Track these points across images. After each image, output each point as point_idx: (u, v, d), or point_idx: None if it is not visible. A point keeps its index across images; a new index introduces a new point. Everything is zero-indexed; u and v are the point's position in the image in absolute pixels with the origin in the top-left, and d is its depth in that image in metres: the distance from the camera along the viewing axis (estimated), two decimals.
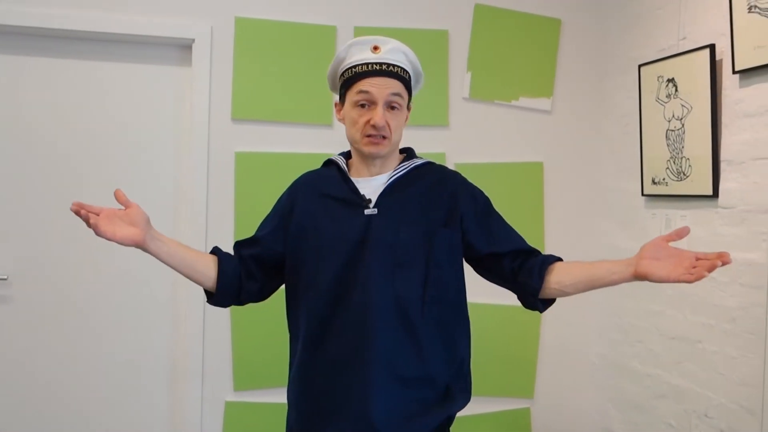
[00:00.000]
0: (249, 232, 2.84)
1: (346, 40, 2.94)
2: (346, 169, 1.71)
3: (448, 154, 3.04)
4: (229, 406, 2.87)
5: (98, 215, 1.60)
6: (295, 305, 1.70)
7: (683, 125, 2.52)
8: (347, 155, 1.78)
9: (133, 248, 2.89)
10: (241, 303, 1.74)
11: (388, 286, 1.59)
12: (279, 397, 2.90)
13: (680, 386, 2.53)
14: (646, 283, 2.74)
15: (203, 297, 2.85)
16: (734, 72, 2.28)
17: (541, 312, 1.71)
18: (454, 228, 1.66)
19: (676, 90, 2.57)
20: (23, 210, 2.79)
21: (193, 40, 2.83)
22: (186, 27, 2.82)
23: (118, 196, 1.63)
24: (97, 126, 2.86)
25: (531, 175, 3.11)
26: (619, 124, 3.03)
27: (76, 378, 2.83)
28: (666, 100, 2.62)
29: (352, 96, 1.64)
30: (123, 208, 1.64)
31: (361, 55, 1.63)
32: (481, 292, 3.10)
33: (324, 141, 2.94)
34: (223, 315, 2.86)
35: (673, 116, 2.58)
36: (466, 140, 3.07)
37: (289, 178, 2.86)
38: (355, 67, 1.63)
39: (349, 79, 1.65)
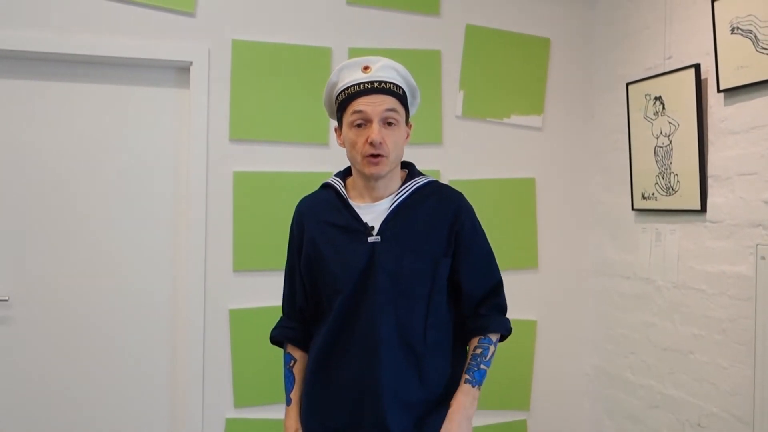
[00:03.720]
0: (248, 249, 2.91)
1: (342, 61, 3.01)
2: (345, 194, 1.69)
3: (442, 171, 3.10)
4: (230, 423, 2.90)
5: None
6: None
7: (671, 142, 2.60)
8: (343, 176, 1.76)
9: (133, 267, 2.92)
10: None
11: (392, 316, 1.61)
12: (279, 413, 2.93)
13: (673, 396, 2.59)
14: (638, 293, 2.82)
15: (203, 315, 2.91)
16: (719, 91, 2.36)
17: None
18: (451, 255, 1.68)
19: (663, 107, 2.64)
20: (23, 231, 2.82)
21: (191, 63, 2.88)
22: (184, 50, 2.88)
23: None
24: (96, 148, 2.90)
25: (523, 190, 3.18)
26: (608, 140, 3.10)
27: (77, 398, 2.85)
28: (654, 117, 2.70)
29: (347, 117, 1.63)
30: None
31: (352, 76, 1.63)
32: None
33: (320, 160, 2.99)
34: (222, 333, 2.90)
35: (661, 133, 2.66)
36: (459, 157, 3.13)
37: (286, 196, 2.93)
38: (348, 88, 1.63)
39: (343, 102, 1.64)
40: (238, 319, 2.90)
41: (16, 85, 2.83)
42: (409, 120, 1.72)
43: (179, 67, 2.94)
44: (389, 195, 1.68)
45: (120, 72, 2.92)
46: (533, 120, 3.20)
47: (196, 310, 2.87)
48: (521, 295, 3.16)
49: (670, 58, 2.67)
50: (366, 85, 1.61)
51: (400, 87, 1.66)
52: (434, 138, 3.10)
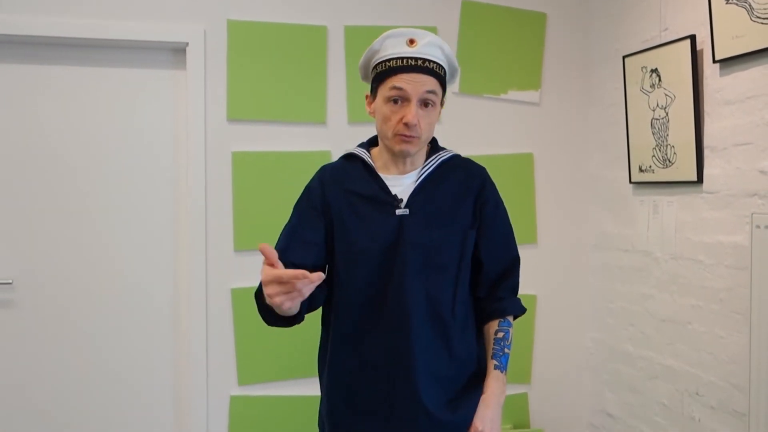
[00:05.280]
0: (248, 229, 2.93)
1: (337, 40, 3.01)
2: (372, 165, 1.65)
3: None
4: (234, 401, 2.94)
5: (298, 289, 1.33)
6: (326, 302, 1.68)
7: (667, 114, 2.60)
8: (367, 146, 1.71)
9: (135, 249, 2.95)
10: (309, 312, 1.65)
11: (421, 288, 1.58)
12: (283, 390, 2.98)
13: (672, 367, 2.61)
14: (636, 266, 2.83)
15: (205, 294, 2.94)
16: (714, 61, 2.35)
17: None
18: (476, 229, 1.67)
19: (660, 80, 2.64)
20: (26, 214, 2.85)
21: (187, 44, 2.88)
22: (179, 31, 2.88)
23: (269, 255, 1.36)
24: (95, 131, 2.91)
25: (522, 166, 3.19)
26: (605, 114, 3.10)
27: (80, 379, 2.89)
28: (650, 89, 2.70)
29: (384, 91, 1.56)
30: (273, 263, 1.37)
31: (396, 48, 1.55)
32: None
33: (318, 138, 3.00)
34: (225, 312, 2.93)
35: (658, 105, 2.66)
36: (457, 134, 3.13)
37: (285, 175, 2.94)
38: (389, 60, 1.55)
39: (382, 73, 1.57)
40: (240, 298, 2.93)
41: (14, 69, 2.83)
42: (444, 99, 1.65)
43: (175, 48, 2.94)
44: (415, 169, 1.65)
45: (116, 54, 2.92)
46: (530, 95, 3.20)
47: (198, 289, 2.90)
48: (521, 270, 3.17)
49: (666, 29, 2.66)
50: (410, 61, 1.54)
51: (443, 67, 1.61)
52: None
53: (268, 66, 2.95)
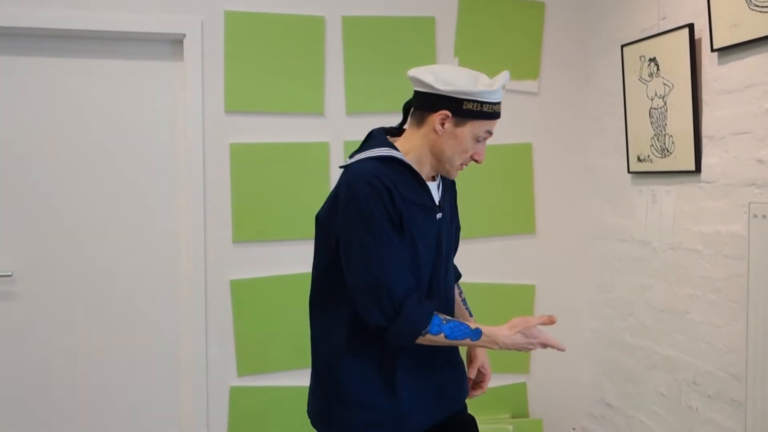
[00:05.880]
0: (246, 221, 2.93)
1: (335, 30, 3.00)
2: (419, 173, 1.69)
3: None
4: (234, 391, 2.95)
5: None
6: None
7: (665, 103, 2.59)
8: (393, 148, 1.69)
9: (134, 241, 2.95)
10: None
11: (450, 283, 1.80)
12: (283, 380, 2.99)
13: (670, 356, 2.62)
14: (635, 256, 2.83)
15: (204, 286, 2.95)
16: (713, 50, 2.34)
17: None
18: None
19: (658, 69, 2.63)
20: (26, 206, 2.85)
21: (184, 35, 2.88)
22: (176, 22, 2.87)
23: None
24: (93, 123, 2.91)
25: (520, 156, 3.18)
26: (604, 103, 3.09)
27: (80, 371, 2.91)
28: (648, 79, 2.69)
29: (476, 128, 1.64)
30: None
31: (496, 95, 1.63)
32: (476, 272, 3.19)
33: (316, 130, 3.00)
34: (224, 302, 2.94)
35: (656, 95, 2.65)
36: None
37: (283, 167, 2.95)
38: (494, 104, 1.64)
39: (482, 114, 1.63)
40: (240, 289, 2.94)
41: (10, 61, 2.83)
42: None
43: (172, 39, 2.94)
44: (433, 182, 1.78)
45: (113, 46, 2.92)
46: (529, 85, 3.19)
47: (197, 281, 2.91)
48: (519, 260, 3.18)
49: (664, 18, 2.65)
50: (498, 108, 1.65)
51: None
52: None
53: (265, 57, 2.94)
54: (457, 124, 1.63)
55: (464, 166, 1.70)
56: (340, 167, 1.74)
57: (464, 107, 1.61)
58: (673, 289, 2.61)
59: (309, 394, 1.77)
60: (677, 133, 2.53)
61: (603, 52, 3.09)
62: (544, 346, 1.66)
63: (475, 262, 3.15)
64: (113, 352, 2.94)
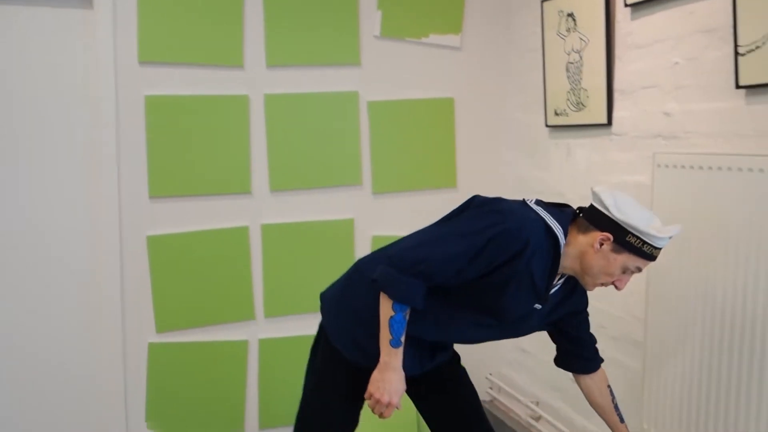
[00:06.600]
0: (163, 176, 2.86)
1: None
2: (559, 269, 1.75)
3: (361, 92, 3.09)
4: (153, 348, 2.91)
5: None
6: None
7: (581, 58, 2.64)
8: (565, 228, 1.74)
9: (45, 196, 2.82)
10: None
11: (478, 341, 1.96)
12: (202, 336, 2.97)
13: None
14: None
15: (119, 242, 2.86)
16: (626, 5, 2.39)
17: None
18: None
19: (575, 24, 2.67)
20: None
21: None
22: None
23: None
24: None
25: (442, 110, 3.20)
26: (524, 58, 3.13)
27: None
28: (566, 33, 2.73)
29: (629, 262, 1.69)
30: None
31: (662, 243, 1.68)
32: (398, 226, 3.19)
33: (235, 82, 2.93)
34: (141, 258, 2.87)
35: (573, 49, 2.69)
36: (378, 78, 3.11)
37: (201, 120, 2.87)
38: (655, 249, 1.68)
39: (640, 252, 1.67)
40: (157, 245, 2.88)
41: None
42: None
43: None
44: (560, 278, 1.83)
45: None
46: (451, 39, 3.19)
47: (113, 238, 2.83)
48: (440, 213, 3.18)
49: None
50: (657, 253, 1.69)
51: None
52: (352, 59, 3.07)
53: (181, 4, 2.83)
54: (614, 250, 1.68)
55: (604, 286, 1.75)
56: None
57: (627, 239, 1.67)
58: None
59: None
60: (591, 87, 2.59)
61: (524, 8, 3.11)
62: (377, 405, 1.79)
63: (397, 215, 3.17)
64: (27, 313, 2.84)
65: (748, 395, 1.80)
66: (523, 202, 1.79)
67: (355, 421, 2.01)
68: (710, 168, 1.93)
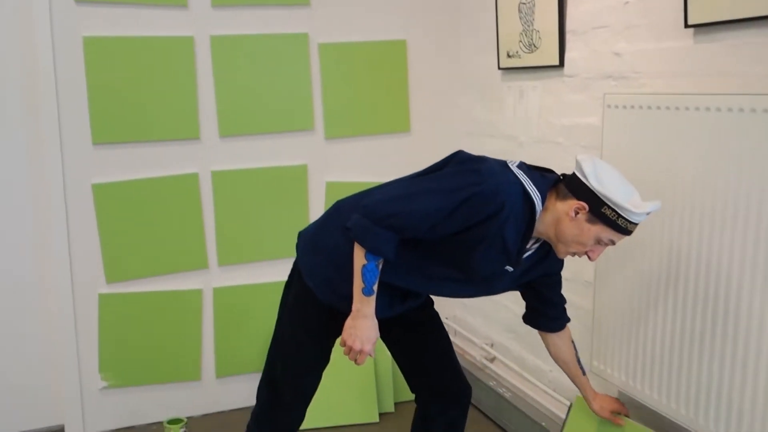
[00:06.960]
0: (107, 122, 2.76)
1: None
2: (533, 233, 1.74)
3: (311, 34, 3.01)
4: (103, 298, 2.85)
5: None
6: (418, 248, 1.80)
7: None
8: (546, 193, 1.72)
9: None
10: None
11: (448, 295, 1.98)
12: (151, 285, 2.93)
13: None
14: (503, 150, 2.89)
15: (63, 191, 2.77)
16: None
17: None
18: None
19: None
20: None
21: None
22: None
23: None
24: None
25: (395, 52, 3.14)
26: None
27: None
28: None
29: (602, 234, 1.67)
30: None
31: (638, 218, 1.65)
32: (352, 171, 3.17)
33: (179, 23, 2.82)
34: (87, 207, 2.79)
35: None
36: (328, 20, 3.03)
37: (144, 62, 2.76)
38: (631, 224, 1.65)
39: (615, 225, 1.65)
40: (103, 193, 2.79)
41: None
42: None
43: None
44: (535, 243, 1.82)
45: None
46: None
47: (56, 186, 2.74)
48: (394, 158, 3.20)
49: None
50: (633, 228, 1.67)
51: None
52: None
53: None
54: (588, 220, 1.67)
55: (576, 255, 1.74)
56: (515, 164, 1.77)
57: (602, 210, 1.65)
58: None
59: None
60: (543, 28, 2.57)
61: None
62: (350, 352, 1.79)
63: (351, 161, 3.14)
64: None
65: (692, 332, 1.87)
66: (505, 164, 1.75)
67: (326, 358, 2.02)
68: (659, 108, 1.94)
